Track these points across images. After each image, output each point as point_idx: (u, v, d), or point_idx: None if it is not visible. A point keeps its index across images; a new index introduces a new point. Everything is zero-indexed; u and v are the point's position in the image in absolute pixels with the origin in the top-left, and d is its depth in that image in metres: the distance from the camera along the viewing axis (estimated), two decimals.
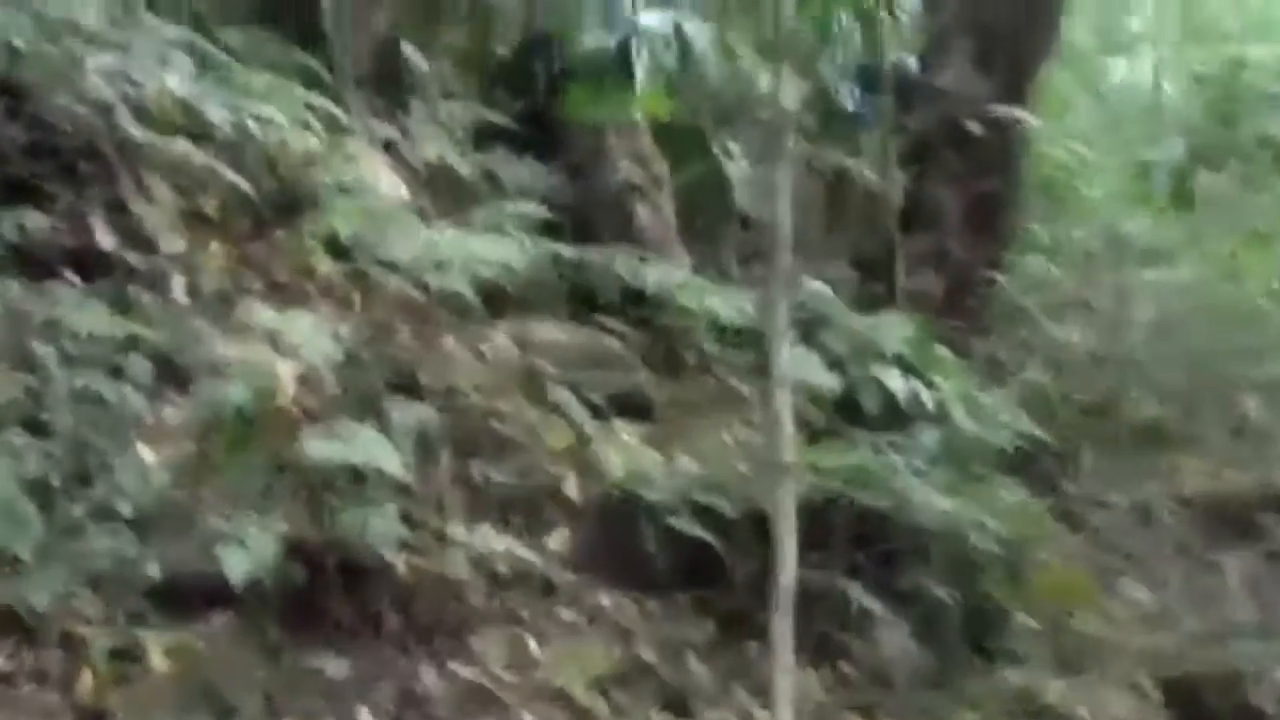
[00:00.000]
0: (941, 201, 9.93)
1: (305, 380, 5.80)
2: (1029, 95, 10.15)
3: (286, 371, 5.83)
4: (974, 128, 9.62)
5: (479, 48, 11.32)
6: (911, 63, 10.89)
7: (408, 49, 9.59)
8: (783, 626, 4.36)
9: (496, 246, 6.70)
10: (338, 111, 7.35)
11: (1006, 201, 10.13)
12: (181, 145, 6.45)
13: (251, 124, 6.37)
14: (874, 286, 9.59)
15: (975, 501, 6.28)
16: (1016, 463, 7.84)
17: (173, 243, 6.30)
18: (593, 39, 11.35)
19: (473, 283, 6.50)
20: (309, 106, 7.00)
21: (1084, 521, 8.98)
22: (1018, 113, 9.90)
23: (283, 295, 6.35)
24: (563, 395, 6.31)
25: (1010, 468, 7.67)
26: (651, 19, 11.80)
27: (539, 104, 9.57)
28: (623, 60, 10.93)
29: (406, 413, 5.71)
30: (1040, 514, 7.34)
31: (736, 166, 10.39)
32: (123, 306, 5.78)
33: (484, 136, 9.00)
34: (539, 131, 9.23)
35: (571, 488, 6.00)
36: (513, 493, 5.91)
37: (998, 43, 9.98)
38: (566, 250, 7.24)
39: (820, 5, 11.44)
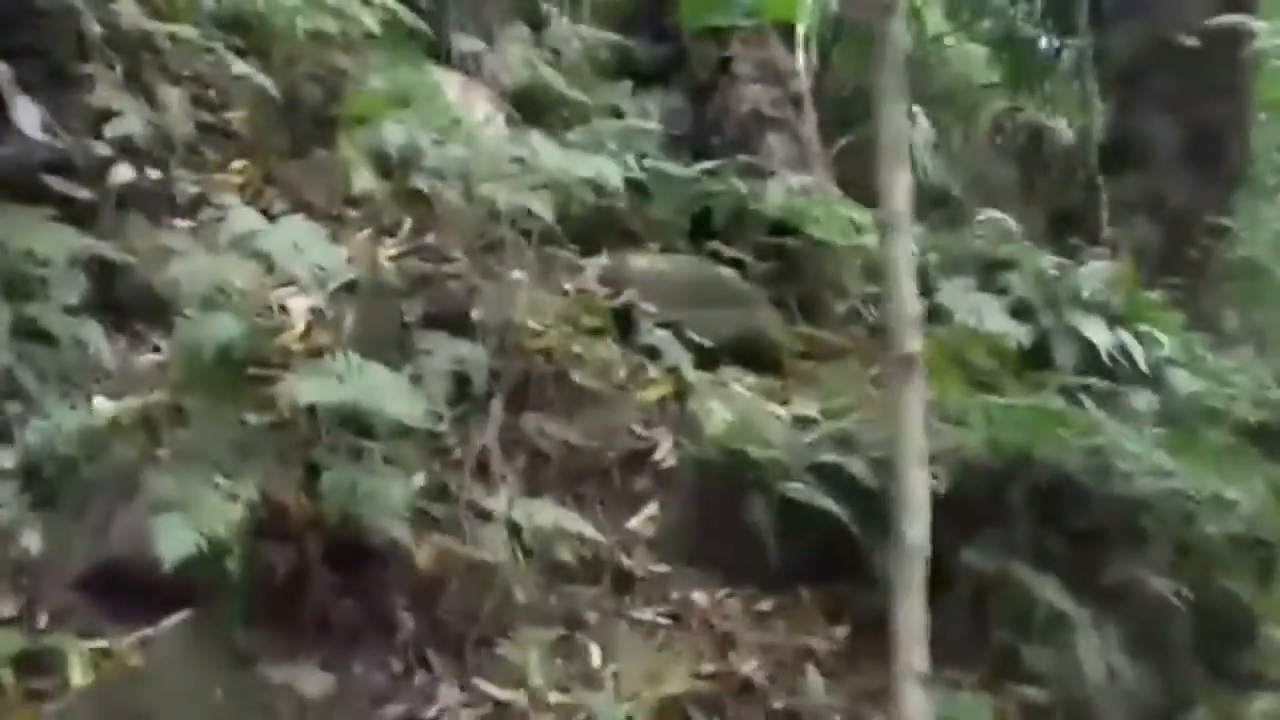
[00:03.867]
0: (1153, 135, 8.24)
1: (321, 316, 4.56)
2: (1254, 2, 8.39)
3: (298, 305, 4.60)
4: (1190, 43, 7.91)
5: None
6: None
7: None
8: (911, 612, 2.87)
9: (591, 162, 5.37)
10: (405, 15, 6.11)
11: (1233, 132, 8.37)
12: (198, 38, 5.27)
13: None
14: (1073, 238, 7.93)
15: (1212, 472, 4.67)
16: (1258, 439, 6.16)
17: (184, 161, 5.12)
18: None
19: (558, 205, 5.20)
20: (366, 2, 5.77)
21: None
22: (1243, 21, 8.15)
23: (313, 218, 5.11)
24: (661, 335, 4.92)
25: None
26: None
27: (679, 45, 8.28)
28: None
29: (442, 350, 4.41)
30: None
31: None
32: (101, 230, 4.62)
33: (620, 75, 7.73)
34: (669, 68, 7.93)
35: (665, 451, 4.60)
36: (586, 457, 4.55)
37: None
38: (677, 169, 5.86)
39: None
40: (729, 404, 4.63)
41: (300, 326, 4.49)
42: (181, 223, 4.84)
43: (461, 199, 5.18)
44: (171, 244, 4.37)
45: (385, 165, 5.31)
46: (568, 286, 5.28)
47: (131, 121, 4.85)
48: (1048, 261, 6.43)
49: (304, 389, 3.83)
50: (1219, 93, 8.23)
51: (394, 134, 5.25)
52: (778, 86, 6.60)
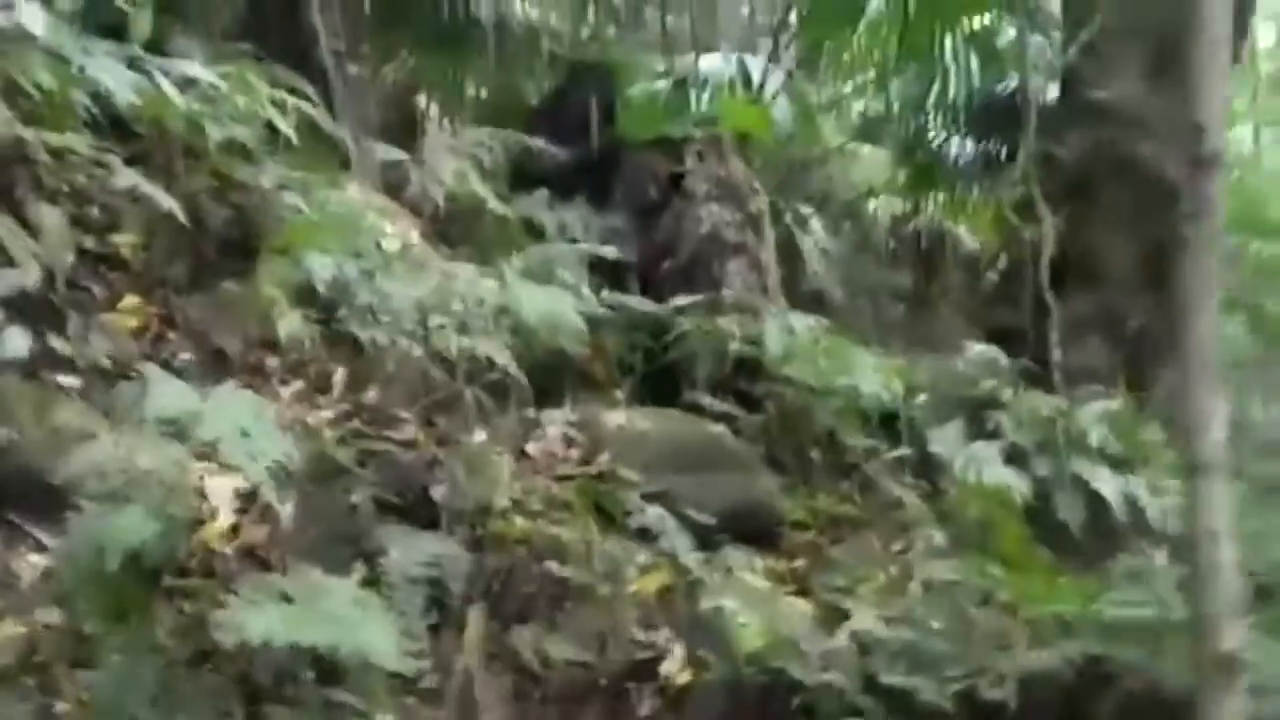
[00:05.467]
0: (1106, 251, 7.70)
1: (252, 503, 3.65)
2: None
3: (221, 489, 3.68)
4: (1148, 155, 7.42)
5: (510, 90, 9.40)
6: (1048, 88, 8.80)
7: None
8: None
9: (545, 298, 4.59)
10: (321, 119, 5.26)
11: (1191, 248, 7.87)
12: (81, 147, 4.36)
13: (174, 96, 4.27)
14: (1018, 362, 7.27)
15: None
16: None
17: (63, 296, 4.17)
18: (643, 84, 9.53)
19: (514, 347, 4.42)
20: (276, 104, 4.89)
21: None
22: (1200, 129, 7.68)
23: (227, 370, 4.21)
24: (652, 514, 4.10)
25: None
26: (713, 61, 9.95)
27: (590, 146, 7.57)
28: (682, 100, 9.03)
29: (406, 547, 3.54)
30: None
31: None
32: None
33: (524, 183, 6.97)
34: (592, 178, 7.20)
35: (676, 663, 3.77)
36: (581, 673, 3.70)
37: (1170, 49, 7.77)
38: (642, 304, 5.10)
39: (928, 27, 9.56)
40: (745, 601, 3.81)
41: (226, 518, 3.58)
42: (68, 380, 3.88)
43: (405, 345, 4.36)
44: (65, 420, 3.44)
45: (309, 302, 4.46)
46: (530, 449, 4.44)
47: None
48: (1040, 399, 5.78)
49: (252, 624, 2.93)
50: (1170, 208, 7.73)
51: (320, 266, 4.41)
52: (736, 206, 5.86)
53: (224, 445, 3.09)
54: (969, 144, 9.69)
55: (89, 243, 4.49)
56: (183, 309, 4.40)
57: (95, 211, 4.60)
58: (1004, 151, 9.36)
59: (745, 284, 5.72)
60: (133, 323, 4.22)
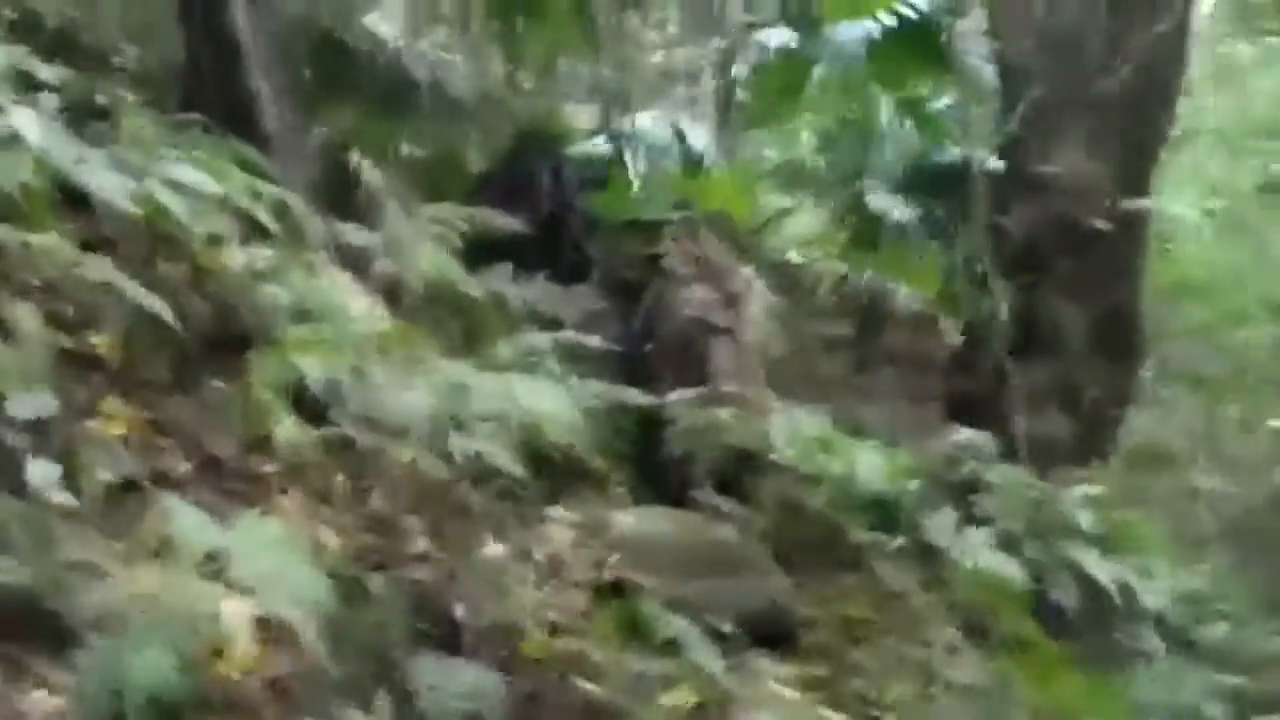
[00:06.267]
0: (1061, 320, 7.73)
1: (270, 631, 3.40)
2: (1150, 183, 8.04)
3: (239, 614, 3.43)
4: (1100, 224, 7.46)
5: (452, 156, 9.22)
6: (983, 156, 8.81)
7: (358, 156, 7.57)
8: None
9: (541, 393, 4.42)
10: (292, 201, 5.05)
11: (1136, 316, 7.93)
12: (57, 245, 4.10)
13: (168, 201, 4.04)
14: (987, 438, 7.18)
15: None
16: None
17: (36, 404, 3.87)
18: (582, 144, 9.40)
19: (518, 448, 4.25)
20: (254, 193, 4.67)
21: None
22: (1142, 204, 7.78)
23: (225, 483, 3.97)
24: (677, 624, 3.94)
25: None
26: (644, 121, 9.86)
27: (541, 214, 7.42)
28: (619, 165, 8.93)
29: (446, 680, 3.34)
30: None
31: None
32: None
33: (478, 256, 6.77)
34: (544, 247, 7.05)
35: None
36: None
37: (1111, 121, 7.85)
38: (636, 397, 4.95)
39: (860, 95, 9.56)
40: (782, 717, 3.67)
41: (245, 648, 3.34)
42: (62, 498, 3.61)
43: (401, 447, 4.16)
44: (69, 551, 3.19)
45: (300, 401, 4.24)
46: (540, 555, 4.25)
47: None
48: (1021, 481, 5.73)
49: None
50: (1122, 275, 7.80)
51: (311, 366, 4.20)
52: (716, 286, 5.74)
53: (259, 587, 2.88)
54: (908, 207, 9.70)
55: (64, 341, 4.23)
56: (169, 412, 4.15)
57: (70, 309, 4.34)
58: (943, 216, 9.38)
59: (729, 368, 5.59)
60: (119, 429, 3.96)
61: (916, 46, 8.63)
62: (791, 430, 4.92)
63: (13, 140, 3.71)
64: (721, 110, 10.62)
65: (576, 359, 5.38)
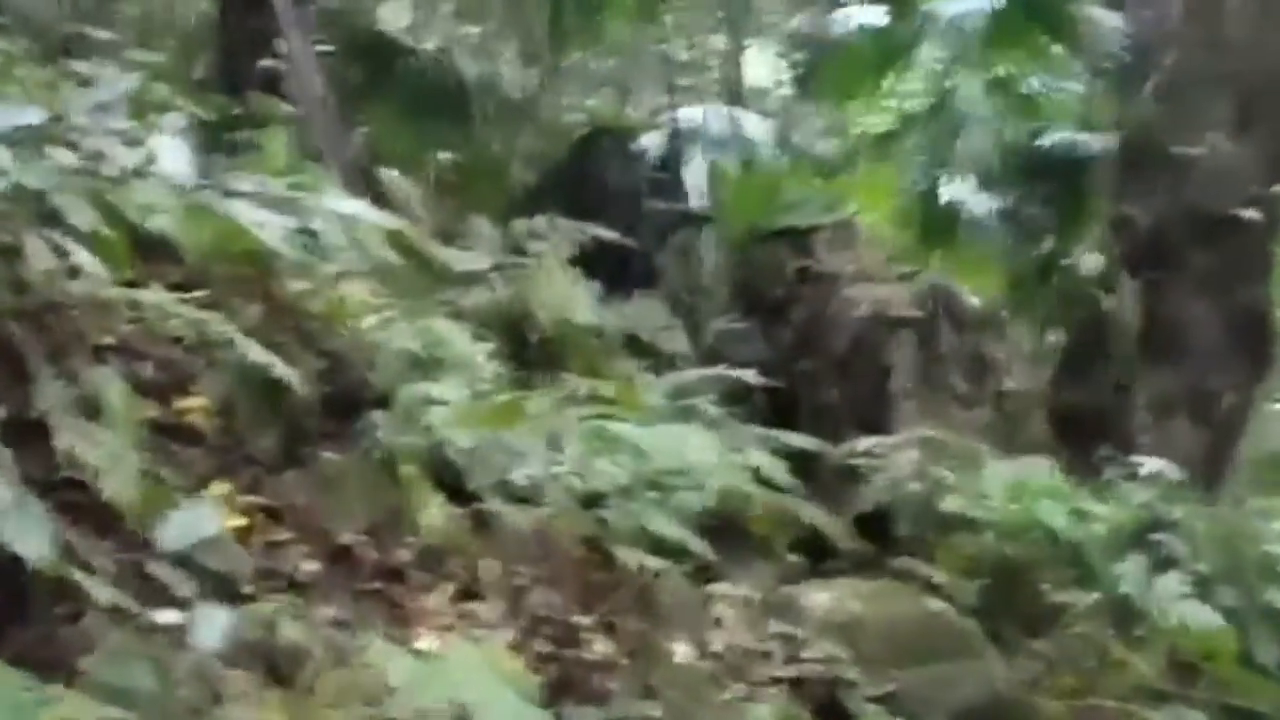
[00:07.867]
0: (1191, 321, 7.05)
1: None
2: None
3: None
4: (1244, 213, 6.78)
5: (494, 162, 8.56)
6: (1095, 140, 8.12)
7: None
8: None
9: (709, 449, 3.80)
10: (414, 233, 4.40)
11: (1271, 312, 7.25)
12: (154, 296, 3.46)
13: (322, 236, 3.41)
14: (1101, 447, 6.49)
15: None
16: None
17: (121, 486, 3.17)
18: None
19: (676, 512, 3.63)
20: (392, 239, 4.00)
21: None
22: None
23: (357, 575, 3.32)
24: None
25: None
26: (694, 114, 9.19)
27: (617, 220, 6.74)
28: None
29: None
30: None
31: None
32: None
33: None
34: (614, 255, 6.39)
35: None
36: None
37: (1258, 99, 7.13)
38: (819, 446, 4.30)
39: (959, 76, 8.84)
40: None
41: None
42: (167, 617, 2.94)
43: (554, 521, 3.52)
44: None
45: (436, 474, 3.60)
46: (717, 644, 3.61)
47: None
48: (1213, 517, 5.09)
49: None
50: (1260, 269, 7.14)
51: (451, 430, 3.56)
52: (884, 305, 5.06)
53: None
54: (992, 199, 9.01)
55: (150, 410, 3.56)
56: (280, 494, 3.49)
57: (151, 369, 3.68)
58: (1037, 208, 8.72)
59: (913, 366, 4.92)
60: (231, 520, 3.30)
61: (1038, 18, 8.00)
62: (997, 477, 4.27)
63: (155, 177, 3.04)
64: (730, 99, 10.05)
65: (726, 395, 4.74)
